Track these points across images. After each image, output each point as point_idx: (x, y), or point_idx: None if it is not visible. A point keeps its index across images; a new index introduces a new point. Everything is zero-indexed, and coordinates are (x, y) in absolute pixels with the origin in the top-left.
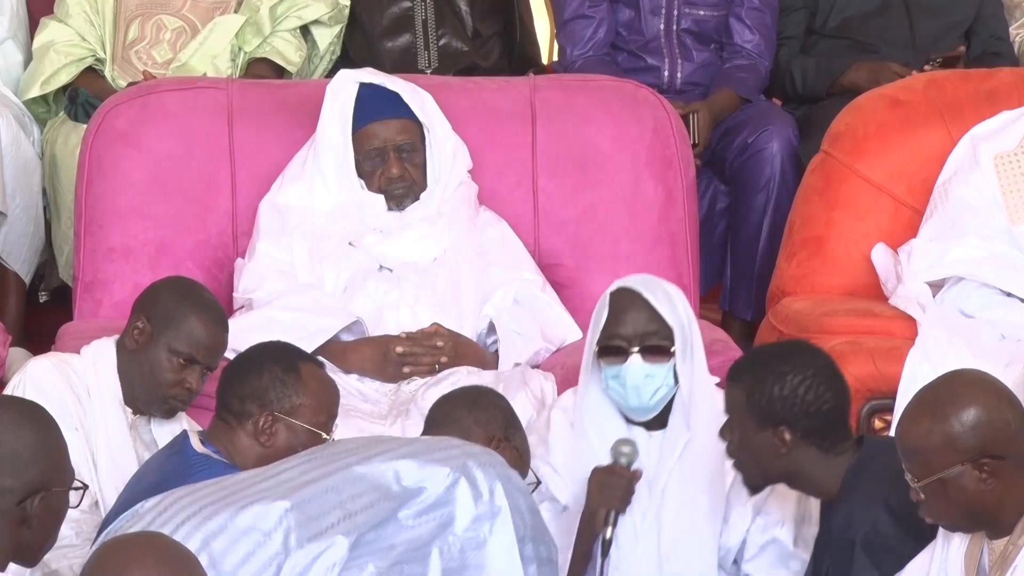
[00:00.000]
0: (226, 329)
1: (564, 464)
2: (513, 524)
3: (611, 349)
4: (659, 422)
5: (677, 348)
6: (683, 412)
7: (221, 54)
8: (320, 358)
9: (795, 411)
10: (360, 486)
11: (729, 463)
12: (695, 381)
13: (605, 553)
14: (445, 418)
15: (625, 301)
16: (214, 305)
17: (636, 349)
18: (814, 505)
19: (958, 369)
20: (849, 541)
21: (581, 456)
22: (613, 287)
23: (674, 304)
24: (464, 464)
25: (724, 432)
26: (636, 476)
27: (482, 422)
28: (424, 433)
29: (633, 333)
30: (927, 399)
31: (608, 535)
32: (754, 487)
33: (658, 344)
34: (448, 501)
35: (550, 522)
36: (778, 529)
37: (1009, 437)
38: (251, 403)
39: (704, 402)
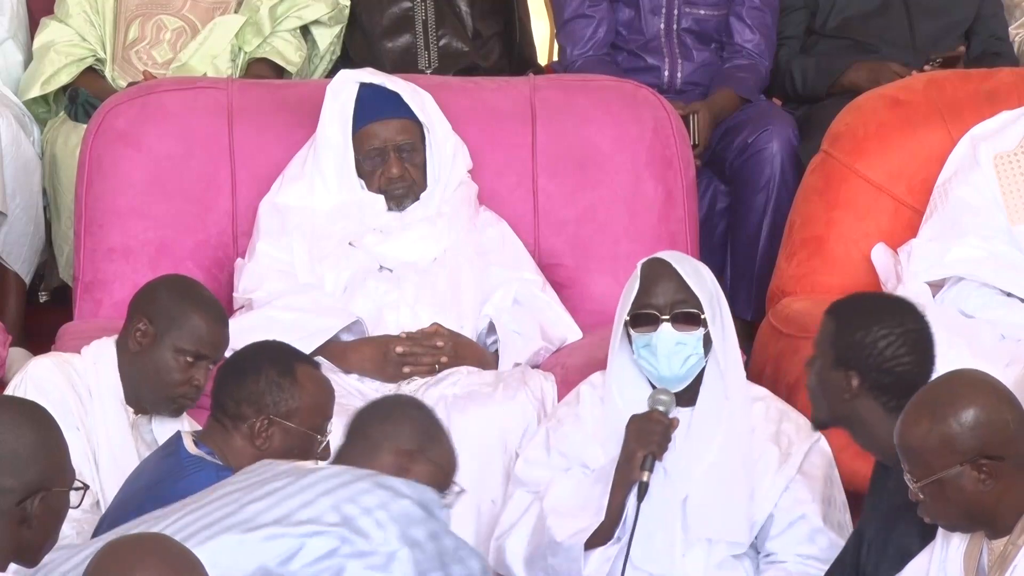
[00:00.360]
0: (227, 323)
1: (595, 433)
2: (413, 561)
3: (642, 318)
4: (687, 399)
5: (707, 316)
6: (718, 378)
7: (221, 54)
8: (319, 358)
9: (869, 362)
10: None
11: (758, 437)
12: (728, 347)
13: (641, 497)
14: (356, 432)
15: (655, 272)
16: (212, 300)
17: (667, 317)
18: (837, 491)
19: (957, 369)
20: (898, 506)
21: (611, 426)
22: (643, 260)
23: (702, 276)
24: (350, 517)
25: (809, 362)
26: (674, 424)
27: (391, 435)
28: (340, 446)
29: (664, 302)
30: (926, 400)
31: (645, 479)
32: (819, 423)
33: (688, 311)
34: (333, 554)
35: (581, 483)
36: (807, 505)
37: (1008, 438)
38: (247, 406)
39: (736, 373)
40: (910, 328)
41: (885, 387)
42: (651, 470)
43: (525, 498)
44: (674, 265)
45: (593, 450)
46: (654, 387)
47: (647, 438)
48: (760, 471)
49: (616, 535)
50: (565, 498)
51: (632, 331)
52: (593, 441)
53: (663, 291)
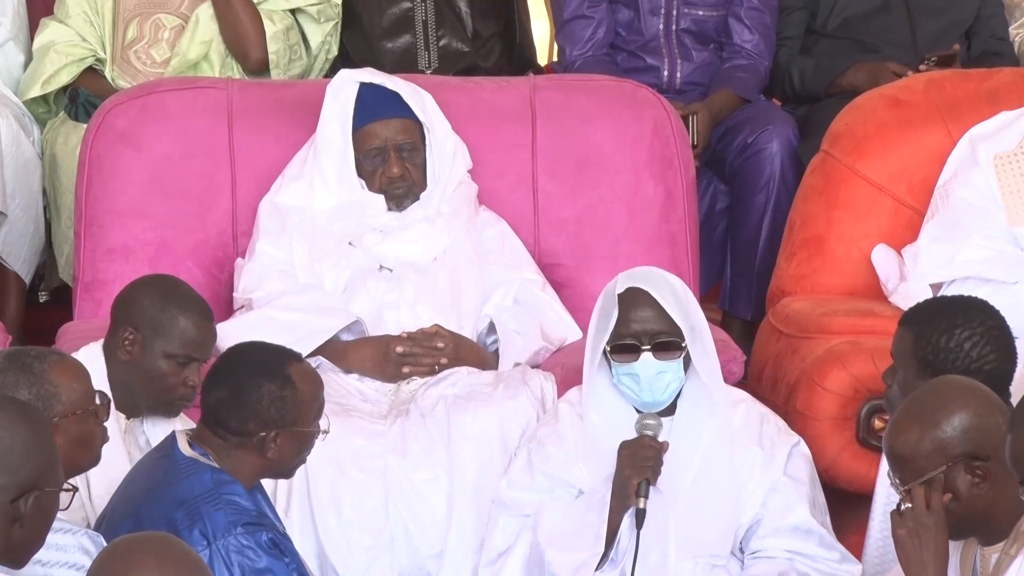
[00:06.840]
0: (212, 319)
1: (577, 451)
2: None
3: (623, 347)
4: (667, 409)
5: (687, 341)
6: (699, 388)
7: (214, 37)
8: (319, 357)
9: (956, 365)
10: None
11: (741, 440)
12: (708, 359)
13: (640, 524)
14: None
15: (634, 300)
16: (195, 298)
17: (648, 347)
18: (819, 493)
19: (943, 376)
20: None
21: (592, 444)
22: (620, 287)
23: (678, 296)
24: None
25: (887, 376)
26: (664, 447)
27: None
28: None
29: (643, 331)
30: (915, 406)
31: (642, 505)
32: None
33: (669, 341)
34: None
35: (572, 508)
36: (796, 509)
37: (998, 440)
38: (253, 424)
39: (718, 383)
40: (991, 325)
41: None
42: (647, 496)
43: (512, 524)
44: (653, 294)
45: (577, 469)
46: (637, 410)
47: (641, 464)
48: (745, 475)
49: (610, 557)
50: (558, 527)
51: (612, 358)
52: (576, 459)
53: (642, 320)
